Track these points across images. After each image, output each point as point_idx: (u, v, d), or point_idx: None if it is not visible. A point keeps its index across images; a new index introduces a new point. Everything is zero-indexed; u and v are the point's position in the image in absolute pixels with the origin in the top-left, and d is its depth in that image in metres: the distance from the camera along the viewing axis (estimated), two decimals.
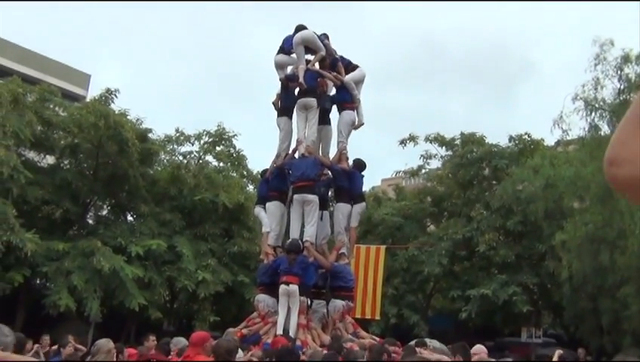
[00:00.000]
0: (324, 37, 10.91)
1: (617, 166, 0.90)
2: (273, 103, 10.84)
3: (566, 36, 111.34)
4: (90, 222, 21.65)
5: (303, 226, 9.88)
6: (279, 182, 10.38)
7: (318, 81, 10.46)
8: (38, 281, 19.04)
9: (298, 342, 8.14)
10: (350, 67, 11.03)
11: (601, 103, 14.58)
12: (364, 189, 11.70)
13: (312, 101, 10.27)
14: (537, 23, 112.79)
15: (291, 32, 10.64)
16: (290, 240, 9.65)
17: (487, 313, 22.43)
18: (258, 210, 10.53)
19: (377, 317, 17.21)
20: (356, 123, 10.81)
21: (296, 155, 10.31)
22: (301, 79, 10.14)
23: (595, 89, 14.44)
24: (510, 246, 22.16)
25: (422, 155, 25.86)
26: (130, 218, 22.11)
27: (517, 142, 23.53)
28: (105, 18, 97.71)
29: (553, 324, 26.77)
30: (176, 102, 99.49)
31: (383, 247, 17.47)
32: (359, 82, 10.97)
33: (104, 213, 22.09)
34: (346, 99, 10.66)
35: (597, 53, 14.51)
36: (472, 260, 24.34)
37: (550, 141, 22.92)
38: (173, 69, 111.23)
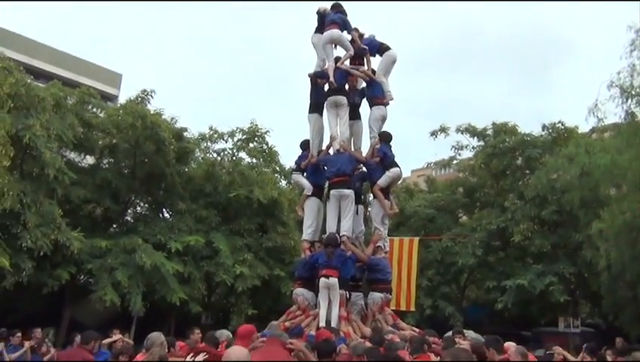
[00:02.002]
0: (349, 24, 10.95)
1: None
2: (309, 75, 10.94)
3: (604, 16, 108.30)
4: (129, 219, 22.28)
5: (339, 221, 10.08)
6: (315, 178, 10.59)
7: (347, 78, 10.62)
8: (82, 278, 19.72)
9: (341, 334, 8.36)
10: (382, 48, 11.06)
11: (638, 90, 14.36)
12: None
13: (342, 99, 10.43)
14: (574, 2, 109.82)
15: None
16: (327, 234, 9.85)
17: (524, 303, 22.35)
18: (296, 177, 10.72)
19: (412, 309, 17.26)
20: (386, 117, 10.89)
21: (331, 151, 10.49)
22: (331, 78, 10.31)
23: (632, 76, 14.23)
24: (546, 236, 21.98)
25: (453, 146, 25.82)
26: (167, 215, 22.68)
27: (550, 130, 23.30)
28: (133, 18, 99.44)
29: (591, 314, 26.49)
30: (206, 99, 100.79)
31: (416, 239, 17.46)
32: (390, 65, 11.05)
33: (142, 210, 22.68)
34: (377, 95, 10.78)
35: (632, 39, 14.29)
36: (506, 250, 24.23)
37: (584, 128, 22.63)
38: (203, 66, 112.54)
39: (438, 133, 25.09)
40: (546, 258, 21.78)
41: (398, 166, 10.24)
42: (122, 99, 23.72)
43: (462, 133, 25.16)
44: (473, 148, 25.51)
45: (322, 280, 9.20)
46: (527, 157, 23.14)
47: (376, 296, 9.72)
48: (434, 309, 23.32)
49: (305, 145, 10.82)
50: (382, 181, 10.15)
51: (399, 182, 20.20)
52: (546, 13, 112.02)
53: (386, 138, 10.46)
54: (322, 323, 8.91)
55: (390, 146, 10.36)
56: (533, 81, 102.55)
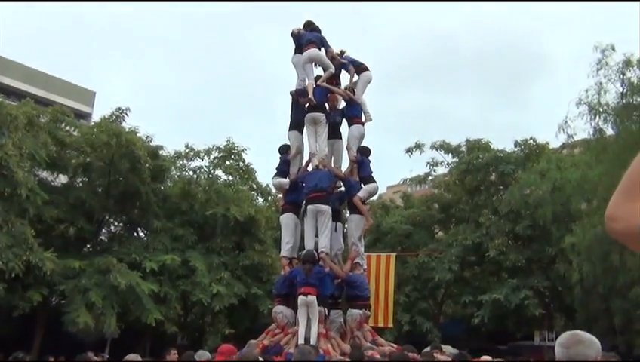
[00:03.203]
0: (325, 41, 11.07)
1: (614, 222, 1.17)
2: (291, 93, 11.02)
3: (575, 34, 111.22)
4: (104, 239, 21.96)
5: (317, 237, 10.08)
6: (293, 195, 10.60)
7: (327, 96, 10.72)
8: (54, 299, 19.30)
9: (320, 351, 8.33)
10: (360, 68, 11.20)
11: (605, 107, 14.81)
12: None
13: (321, 116, 10.49)
14: (549, 17, 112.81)
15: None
16: (305, 251, 9.82)
17: (500, 317, 22.58)
18: (276, 181, 10.76)
19: (390, 325, 17.34)
20: (364, 135, 11.01)
21: (309, 168, 10.53)
22: (310, 95, 10.40)
23: (599, 93, 14.69)
24: (520, 251, 22.33)
25: (428, 163, 26.14)
26: (142, 234, 22.42)
27: (522, 147, 23.80)
28: (107, 34, 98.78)
29: (565, 326, 26.81)
30: (182, 117, 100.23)
31: (393, 255, 17.59)
32: (366, 85, 11.21)
33: (117, 230, 22.38)
34: (356, 114, 10.89)
35: (599, 58, 14.78)
36: (481, 265, 24.52)
37: (555, 144, 23.19)
38: (178, 84, 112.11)
39: (414, 149, 25.39)
40: (521, 272, 22.09)
41: (375, 181, 10.38)
42: (96, 117, 23.53)
43: (437, 150, 25.53)
44: (448, 164, 25.90)
45: (300, 297, 9.16)
46: (501, 173, 23.58)
47: (354, 313, 9.70)
48: (412, 325, 23.39)
49: (284, 149, 10.85)
50: (361, 193, 10.24)
51: (375, 198, 20.36)
52: (520, 30, 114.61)
53: (364, 152, 10.57)
54: (301, 341, 8.86)
55: (369, 161, 10.49)
56: (507, 97, 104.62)
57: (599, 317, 18.75)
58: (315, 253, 9.69)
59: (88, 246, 21.32)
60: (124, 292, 17.26)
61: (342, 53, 11.25)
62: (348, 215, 11.65)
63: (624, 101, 14.49)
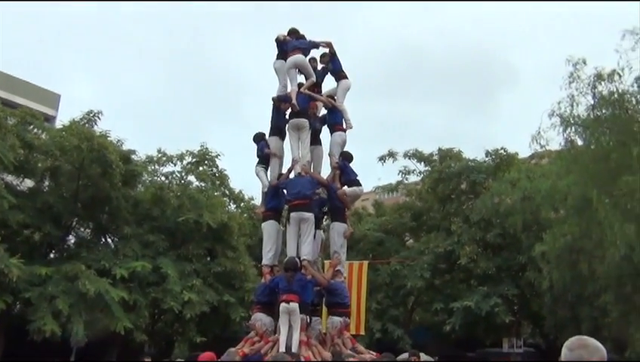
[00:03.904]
0: (311, 47, 11.08)
1: None
2: (272, 99, 10.95)
3: (544, 45, 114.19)
4: (71, 245, 21.36)
5: (298, 244, 10.01)
6: (274, 201, 10.52)
7: (309, 103, 10.70)
8: (17, 307, 18.64)
9: (301, 359, 8.25)
10: (340, 75, 11.22)
11: (577, 119, 15.21)
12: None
13: (304, 122, 10.44)
14: (518, 27, 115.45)
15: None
16: (287, 258, 9.74)
17: (470, 325, 22.83)
18: (258, 170, 10.60)
19: (362, 333, 17.26)
20: (346, 142, 11.03)
21: (292, 175, 10.47)
22: (294, 101, 10.36)
23: (572, 106, 15.08)
24: (490, 259, 22.67)
25: (400, 171, 26.37)
26: (111, 240, 21.92)
27: (493, 156, 24.22)
28: (74, 36, 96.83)
29: (532, 334, 27.35)
30: (152, 122, 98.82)
31: (365, 263, 17.51)
32: (345, 92, 11.25)
33: (85, 235, 21.81)
34: (337, 121, 10.90)
35: (571, 71, 15.17)
36: (452, 273, 24.79)
37: (525, 154, 23.71)
38: (149, 88, 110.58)
39: (387, 158, 25.59)
40: (491, 280, 22.42)
41: (360, 185, 10.40)
42: (60, 121, 22.77)
43: (409, 159, 25.78)
44: (420, 173, 26.16)
45: (282, 305, 9.07)
46: (472, 182, 23.94)
47: (335, 320, 9.64)
48: (383, 332, 23.43)
49: (258, 137, 10.75)
50: (348, 190, 10.25)
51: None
52: (488, 42, 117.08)
53: (347, 157, 10.58)
54: (282, 349, 8.77)
55: (351, 166, 10.51)
56: (477, 106, 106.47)
57: (567, 325, 19.11)
58: (298, 260, 9.63)
59: (54, 252, 20.70)
60: (92, 299, 16.82)
61: (333, 54, 11.21)
62: (325, 223, 11.62)
63: (595, 113, 14.91)
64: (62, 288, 16.89)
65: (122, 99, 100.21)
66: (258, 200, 25.82)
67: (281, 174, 10.63)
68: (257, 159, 10.70)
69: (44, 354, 18.56)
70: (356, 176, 10.43)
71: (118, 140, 20.52)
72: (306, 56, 10.76)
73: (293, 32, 11.14)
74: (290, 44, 10.74)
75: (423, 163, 25.76)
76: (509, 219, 20.60)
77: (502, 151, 24.11)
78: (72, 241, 21.36)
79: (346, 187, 10.33)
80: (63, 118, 21.60)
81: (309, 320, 9.53)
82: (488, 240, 22.51)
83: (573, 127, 15.32)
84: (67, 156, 18.43)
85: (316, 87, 11.17)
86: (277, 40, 11.08)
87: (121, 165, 18.78)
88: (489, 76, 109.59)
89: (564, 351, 2.51)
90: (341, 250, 10.29)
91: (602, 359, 2.48)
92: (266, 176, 10.53)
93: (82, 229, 21.77)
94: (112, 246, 20.55)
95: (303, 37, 11.04)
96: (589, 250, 15.64)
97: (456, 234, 23.18)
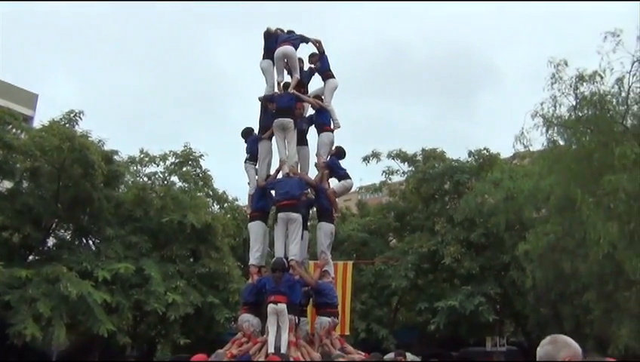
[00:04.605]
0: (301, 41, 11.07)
1: None
2: (259, 99, 10.89)
3: (529, 39, 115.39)
4: (51, 247, 20.98)
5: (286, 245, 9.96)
6: (262, 202, 10.47)
7: (296, 103, 10.64)
8: None
9: (290, 359, 8.22)
10: (326, 74, 11.18)
11: (559, 120, 15.40)
12: None
13: (289, 122, 10.37)
14: (500, 27, 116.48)
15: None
16: (275, 258, 9.71)
17: (453, 324, 22.96)
18: (248, 167, 10.57)
19: (347, 333, 17.32)
20: (334, 142, 11.00)
21: (279, 175, 10.42)
22: (278, 90, 10.43)
23: (554, 107, 15.27)
24: (474, 258, 22.81)
25: (384, 171, 26.40)
26: (92, 242, 21.60)
27: (476, 156, 24.39)
28: (50, 34, 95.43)
29: (515, 332, 27.61)
30: (133, 122, 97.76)
31: (350, 263, 17.62)
32: (332, 92, 11.23)
33: (66, 237, 21.45)
34: (325, 122, 10.88)
35: (553, 72, 15.36)
36: (435, 273, 24.92)
37: (507, 154, 23.93)
38: (129, 86, 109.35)
39: (371, 158, 25.61)
40: (474, 279, 22.57)
41: (350, 178, 10.49)
42: (40, 121, 22.35)
43: (393, 159, 25.83)
44: (404, 173, 26.23)
45: (270, 306, 9.03)
46: (456, 182, 24.08)
47: (323, 320, 9.65)
48: (368, 332, 23.46)
49: (247, 132, 10.71)
50: (337, 187, 10.37)
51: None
52: (471, 39, 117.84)
53: (338, 153, 10.60)
54: (271, 349, 8.73)
55: (339, 162, 10.52)
56: (459, 106, 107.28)
57: (549, 323, 19.34)
58: (285, 260, 9.59)
59: (33, 254, 20.32)
60: (74, 302, 16.52)
61: (322, 52, 11.17)
62: (309, 224, 11.58)
63: (577, 114, 15.10)
64: (42, 291, 16.54)
65: (104, 99, 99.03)
66: (242, 201, 25.77)
67: (268, 175, 10.58)
68: (247, 155, 10.63)
69: (25, 358, 18.23)
70: (344, 170, 10.46)
71: (100, 140, 20.22)
72: (295, 49, 10.73)
73: (289, 32, 11.13)
74: (281, 37, 10.74)
75: (406, 163, 25.84)
76: (492, 219, 20.79)
77: (484, 151, 24.30)
78: (53, 243, 20.99)
79: (336, 182, 10.37)
80: (41, 118, 21.16)
81: (297, 320, 9.52)
82: (472, 240, 22.66)
83: (555, 128, 15.52)
84: (47, 156, 18.07)
85: (302, 87, 11.13)
86: (266, 33, 11.00)
87: (103, 165, 18.50)
88: (471, 76, 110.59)
89: (537, 349, 2.57)
90: (328, 250, 10.30)
91: (572, 355, 2.52)
92: (255, 174, 10.48)
93: (63, 231, 21.40)
94: (94, 248, 20.23)
95: (292, 32, 11.04)
96: (572, 249, 15.84)
97: (440, 234, 23.30)
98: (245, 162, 10.61)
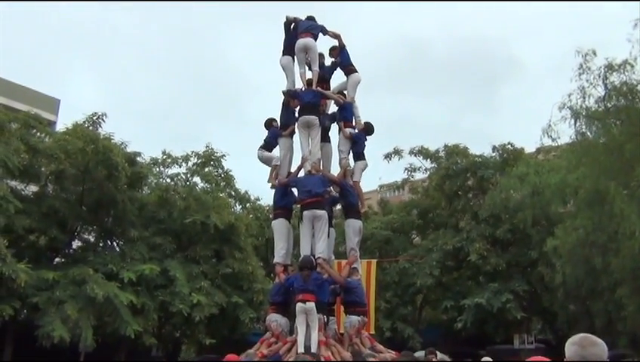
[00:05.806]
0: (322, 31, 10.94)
1: None
2: (283, 92, 10.74)
3: (551, 31, 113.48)
4: (76, 249, 21.17)
5: (312, 243, 9.83)
6: (284, 200, 10.35)
7: (320, 100, 10.51)
8: (24, 312, 18.48)
9: (321, 359, 8.08)
10: (349, 69, 11.00)
11: (587, 111, 15.02)
12: None
13: (314, 119, 10.25)
14: (521, 19, 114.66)
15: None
16: (302, 256, 9.57)
17: (480, 322, 22.66)
18: (261, 153, 10.49)
19: (372, 332, 17.15)
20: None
21: (301, 173, 10.30)
22: (312, 86, 10.30)
23: (583, 98, 14.89)
24: (500, 255, 22.46)
25: (406, 168, 26.15)
26: (117, 243, 21.74)
27: (500, 151, 24.02)
28: (72, 39, 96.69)
29: (543, 330, 27.14)
30: (155, 124, 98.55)
31: (374, 261, 17.46)
32: (355, 86, 11.06)
33: (91, 239, 21.63)
34: (347, 118, 10.72)
35: (580, 63, 14.99)
36: (460, 270, 24.60)
37: (531, 149, 23.49)
38: (149, 87, 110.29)
39: (392, 155, 25.39)
40: (501, 276, 22.22)
41: (365, 159, 10.48)
42: (63, 124, 22.57)
43: (415, 156, 25.57)
44: (426, 170, 25.95)
45: (299, 305, 8.89)
46: (480, 178, 23.74)
47: (353, 319, 9.48)
48: (393, 331, 23.27)
49: (269, 122, 10.59)
50: (356, 176, 10.33)
51: None
52: (491, 35, 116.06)
53: (367, 129, 10.59)
54: (301, 349, 8.61)
55: (365, 138, 10.49)
56: (481, 100, 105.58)
57: (580, 319, 18.96)
58: (313, 258, 9.46)
59: (59, 256, 20.51)
60: (101, 303, 16.62)
61: (342, 47, 11.00)
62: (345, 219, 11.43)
63: (606, 104, 14.71)
64: (70, 292, 16.68)
65: (125, 101, 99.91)
66: (264, 201, 25.69)
67: (290, 172, 10.47)
68: (263, 143, 10.52)
69: (53, 359, 18.37)
70: (364, 148, 10.49)
71: (122, 142, 20.32)
72: (315, 40, 10.59)
73: (309, 18, 10.97)
74: (302, 25, 10.60)
75: (429, 160, 25.55)
76: (518, 215, 20.45)
77: (509, 146, 23.93)
78: (78, 245, 21.17)
79: (354, 176, 10.29)
80: (64, 122, 21.37)
81: (326, 319, 9.38)
82: (497, 236, 22.32)
83: (584, 119, 15.13)
84: (72, 159, 18.22)
85: (325, 82, 10.99)
86: (286, 23, 10.88)
87: (127, 167, 18.57)
88: (493, 69, 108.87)
89: (572, 347, 2.50)
90: (357, 246, 10.14)
91: (600, 355, 2.44)
92: (269, 153, 10.37)
93: (88, 233, 21.58)
94: (119, 250, 20.34)
95: (312, 18, 10.88)
96: (603, 243, 15.46)
97: (465, 231, 23.02)
98: (259, 149, 10.53)
